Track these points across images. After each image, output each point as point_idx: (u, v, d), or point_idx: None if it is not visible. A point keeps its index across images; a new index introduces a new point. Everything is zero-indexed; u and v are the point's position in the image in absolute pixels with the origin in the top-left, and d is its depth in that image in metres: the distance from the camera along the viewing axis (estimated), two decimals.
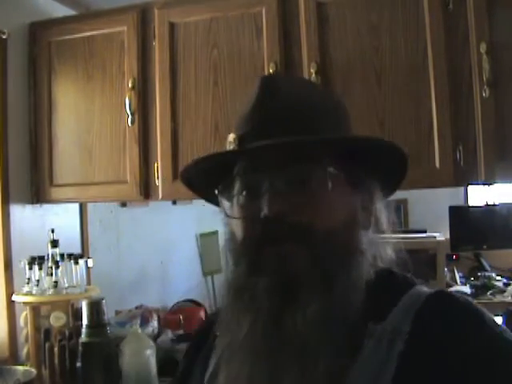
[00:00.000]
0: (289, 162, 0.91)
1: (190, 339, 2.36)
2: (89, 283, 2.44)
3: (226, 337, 0.95)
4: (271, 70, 2.05)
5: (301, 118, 0.95)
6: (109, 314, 2.01)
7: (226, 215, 1.00)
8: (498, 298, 4.22)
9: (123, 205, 3.08)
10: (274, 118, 0.94)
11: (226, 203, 1.00)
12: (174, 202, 3.41)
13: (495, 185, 4.58)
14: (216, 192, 1.00)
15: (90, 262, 2.43)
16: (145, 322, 2.34)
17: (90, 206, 2.80)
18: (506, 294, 4.27)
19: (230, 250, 1.00)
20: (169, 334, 2.42)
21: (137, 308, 2.52)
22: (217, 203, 1.03)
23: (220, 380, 0.95)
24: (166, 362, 2.22)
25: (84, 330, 1.83)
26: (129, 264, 2.98)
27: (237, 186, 0.97)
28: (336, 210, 0.94)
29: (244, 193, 0.96)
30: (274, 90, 0.97)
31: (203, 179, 1.03)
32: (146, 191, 2.26)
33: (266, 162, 0.92)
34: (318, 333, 0.86)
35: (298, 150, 0.92)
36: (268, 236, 0.89)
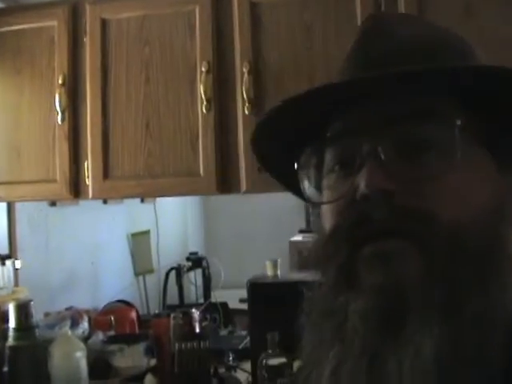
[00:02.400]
0: (401, 116, 0.64)
1: (121, 340, 2.35)
2: (16, 285, 2.38)
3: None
4: (204, 69, 2.04)
5: (420, 53, 0.67)
6: (37, 316, 1.97)
7: (308, 200, 0.74)
8: None
9: (53, 204, 3.01)
10: (386, 55, 0.67)
11: (307, 184, 0.73)
12: (105, 202, 3.36)
13: None
14: (295, 167, 0.72)
15: (18, 263, 2.37)
16: (75, 323, 2.29)
17: (17, 205, 2.73)
18: None
19: (316, 251, 0.73)
20: (100, 336, 2.38)
21: (67, 310, 2.47)
22: (293, 185, 0.76)
23: None
24: (97, 364, 2.18)
25: (11, 333, 1.79)
26: (58, 265, 2.92)
27: (326, 158, 0.70)
28: (473, 192, 0.64)
29: (336, 167, 0.69)
30: (382, 24, 0.72)
31: (278, 149, 0.77)
32: (76, 190, 2.21)
33: (369, 118, 0.65)
34: None
35: (416, 97, 0.64)
36: (365, 227, 0.62)
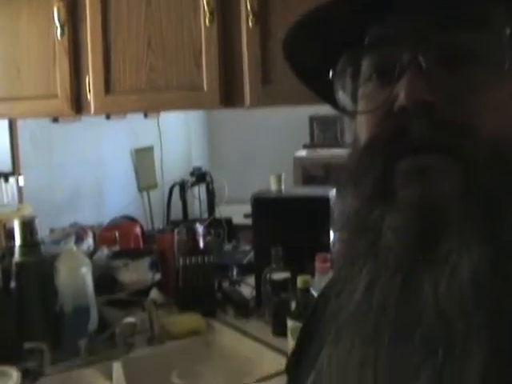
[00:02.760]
0: (448, 22, 0.59)
1: (125, 255, 2.37)
2: (21, 202, 2.38)
3: (336, 301, 0.65)
4: None
5: None
6: (42, 232, 1.97)
7: (343, 110, 0.70)
8: None
9: (55, 120, 2.98)
10: None
11: (342, 93, 0.69)
12: (108, 117, 3.33)
13: None
14: (330, 76, 0.68)
15: (21, 180, 2.37)
16: (80, 239, 2.31)
17: (19, 123, 2.71)
18: None
19: (350, 164, 0.68)
20: (104, 251, 2.41)
21: (71, 226, 2.49)
22: (326, 94, 0.71)
23: (322, 362, 0.67)
24: (102, 279, 2.21)
25: (17, 249, 1.80)
26: (62, 181, 2.93)
27: (363, 66, 0.66)
28: None
29: (374, 76, 0.65)
30: None
31: (311, 55, 0.71)
32: (78, 106, 2.18)
33: (411, 24, 0.60)
34: (474, 311, 0.53)
35: (467, 1, 0.59)
36: (403, 140, 0.59)
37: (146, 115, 3.68)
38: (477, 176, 0.56)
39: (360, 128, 0.67)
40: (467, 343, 0.53)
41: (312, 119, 5.14)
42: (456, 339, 0.54)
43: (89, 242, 2.40)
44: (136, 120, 3.54)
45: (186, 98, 2.07)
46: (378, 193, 0.61)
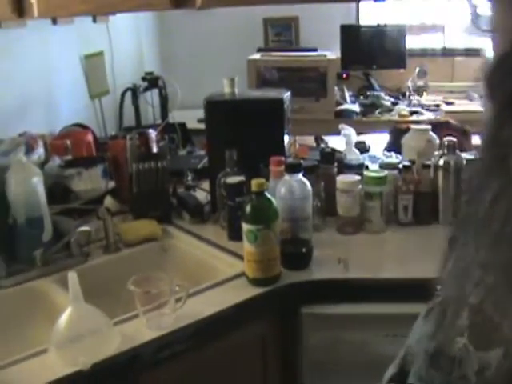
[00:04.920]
0: None
1: (78, 164, 2.33)
2: None
3: (466, 208, 0.69)
4: None
5: None
6: None
7: None
8: (386, 117, 4.43)
9: None
10: None
11: None
12: (54, 22, 3.20)
13: (386, 3, 4.60)
14: None
15: None
16: (30, 149, 2.25)
17: None
18: (393, 112, 4.48)
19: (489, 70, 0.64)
20: (56, 160, 2.36)
21: (20, 135, 2.42)
22: None
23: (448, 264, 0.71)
24: (55, 189, 2.18)
25: None
26: (8, 89, 2.82)
27: None
28: None
29: None
30: None
31: None
32: (20, 9, 2.09)
33: None
34: None
35: None
36: None
37: (94, 20, 3.56)
38: None
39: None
40: None
41: (266, 22, 5.04)
42: None
43: (39, 151, 2.34)
44: (84, 25, 3.41)
45: None
46: None
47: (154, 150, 2.17)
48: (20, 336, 1.67)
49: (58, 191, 2.20)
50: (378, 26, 4.84)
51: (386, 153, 2.63)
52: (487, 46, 0.65)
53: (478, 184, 0.67)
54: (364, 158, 2.44)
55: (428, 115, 4.36)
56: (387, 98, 4.68)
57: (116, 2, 2.02)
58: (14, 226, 1.85)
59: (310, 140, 2.98)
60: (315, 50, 4.77)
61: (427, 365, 0.71)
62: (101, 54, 3.74)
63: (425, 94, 4.76)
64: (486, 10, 0.65)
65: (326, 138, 2.97)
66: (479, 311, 0.62)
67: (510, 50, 0.62)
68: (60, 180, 2.27)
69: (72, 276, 1.40)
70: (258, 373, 1.76)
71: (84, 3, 2.04)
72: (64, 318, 1.40)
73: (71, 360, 1.37)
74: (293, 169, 1.78)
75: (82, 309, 1.42)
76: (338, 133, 2.56)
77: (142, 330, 1.52)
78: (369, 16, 5.02)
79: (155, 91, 3.66)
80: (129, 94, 3.51)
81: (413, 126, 2.43)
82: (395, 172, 2.08)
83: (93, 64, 3.68)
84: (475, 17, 0.65)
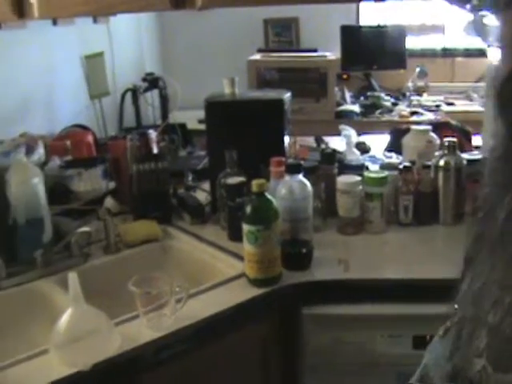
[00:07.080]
0: None
1: (78, 165, 2.33)
2: None
3: (479, 225, 0.69)
4: None
5: None
6: None
7: None
8: (386, 118, 4.43)
9: None
10: None
11: None
12: (55, 23, 3.20)
13: (386, 3, 4.59)
14: None
15: None
16: (30, 150, 2.25)
17: None
18: (393, 113, 4.48)
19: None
20: (56, 161, 2.36)
21: (21, 136, 2.42)
22: None
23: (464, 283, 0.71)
24: (55, 190, 2.18)
25: None
26: (9, 91, 2.82)
27: None
28: None
29: None
30: None
31: None
32: (20, 10, 2.08)
33: None
34: None
35: None
36: None
37: (95, 20, 3.56)
38: None
39: None
40: None
41: (266, 22, 5.04)
42: None
43: (40, 152, 2.34)
44: (85, 25, 3.42)
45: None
46: None
47: (155, 150, 2.16)
48: (20, 337, 1.67)
49: (58, 192, 2.19)
50: (378, 26, 4.84)
51: (386, 153, 2.63)
52: (489, 49, 0.64)
53: (490, 201, 0.66)
54: (364, 159, 2.44)
55: (428, 116, 4.35)
56: (387, 98, 4.68)
57: (116, 3, 2.02)
58: (14, 227, 1.85)
59: (310, 141, 2.97)
60: (315, 50, 4.78)
61: None
62: (101, 54, 3.74)
63: (425, 94, 4.76)
64: (492, 20, 0.65)
65: (326, 138, 2.97)
66: (498, 332, 0.61)
67: None
68: (60, 181, 2.27)
69: (72, 277, 1.40)
70: (258, 373, 1.76)
71: (84, 4, 2.03)
72: (64, 319, 1.40)
73: (71, 361, 1.37)
74: (293, 169, 1.78)
75: (82, 309, 1.42)
76: (338, 133, 2.57)
77: (143, 330, 1.51)
78: (369, 16, 5.01)
79: (155, 92, 3.65)
80: (129, 95, 3.50)
81: (413, 127, 2.42)
82: (396, 172, 2.08)
83: (93, 65, 3.68)
84: (481, 27, 0.65)
